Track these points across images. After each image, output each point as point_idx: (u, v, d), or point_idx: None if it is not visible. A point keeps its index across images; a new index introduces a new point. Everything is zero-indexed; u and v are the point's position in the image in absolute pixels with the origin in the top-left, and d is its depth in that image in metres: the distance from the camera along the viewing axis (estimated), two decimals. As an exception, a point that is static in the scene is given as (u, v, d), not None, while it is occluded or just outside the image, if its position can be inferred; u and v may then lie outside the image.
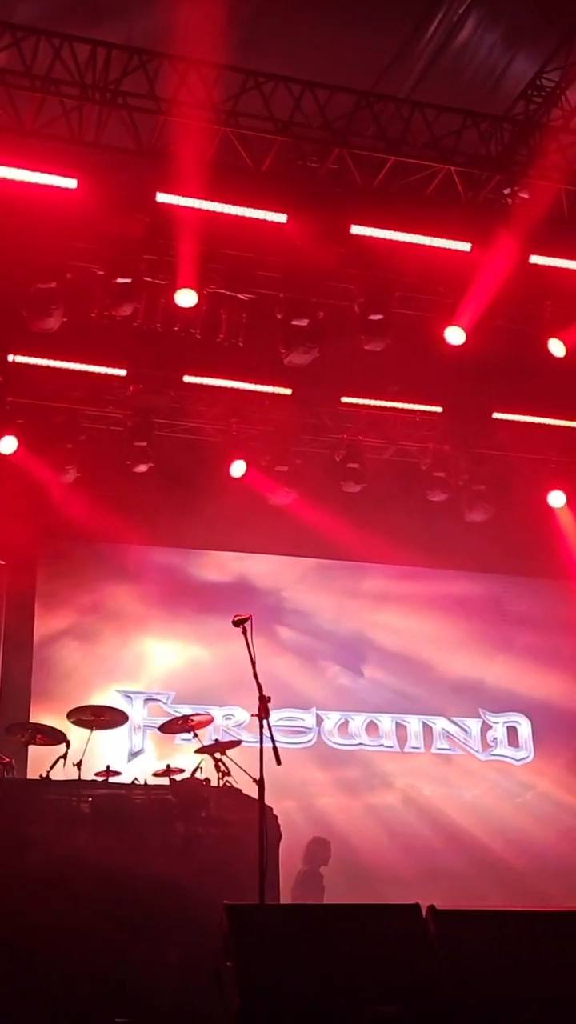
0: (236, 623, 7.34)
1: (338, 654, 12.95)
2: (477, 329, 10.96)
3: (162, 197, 9.67)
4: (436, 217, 10.46)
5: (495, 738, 13.06)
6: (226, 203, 9.78)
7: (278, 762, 7.04)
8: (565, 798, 13.06)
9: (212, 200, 9.73)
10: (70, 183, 9.36)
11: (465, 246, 10.41)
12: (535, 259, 10.54)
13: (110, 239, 9.96)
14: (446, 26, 9.72)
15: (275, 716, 8.79)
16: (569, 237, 10.61)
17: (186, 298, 10.25)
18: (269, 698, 7.22)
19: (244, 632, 7.27)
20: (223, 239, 10.35)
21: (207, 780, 9.19)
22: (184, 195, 9.68)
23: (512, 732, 13.13)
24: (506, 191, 10.58)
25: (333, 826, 11.95)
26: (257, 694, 7.27)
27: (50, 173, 9.31)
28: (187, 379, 11.57)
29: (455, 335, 10.92)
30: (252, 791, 7.59)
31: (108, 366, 11.28)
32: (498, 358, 11.47)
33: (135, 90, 9.27)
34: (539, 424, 12.53)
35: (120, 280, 9.98)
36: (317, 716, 12.50)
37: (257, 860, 6.88)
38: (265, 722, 7.11)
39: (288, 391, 11.81)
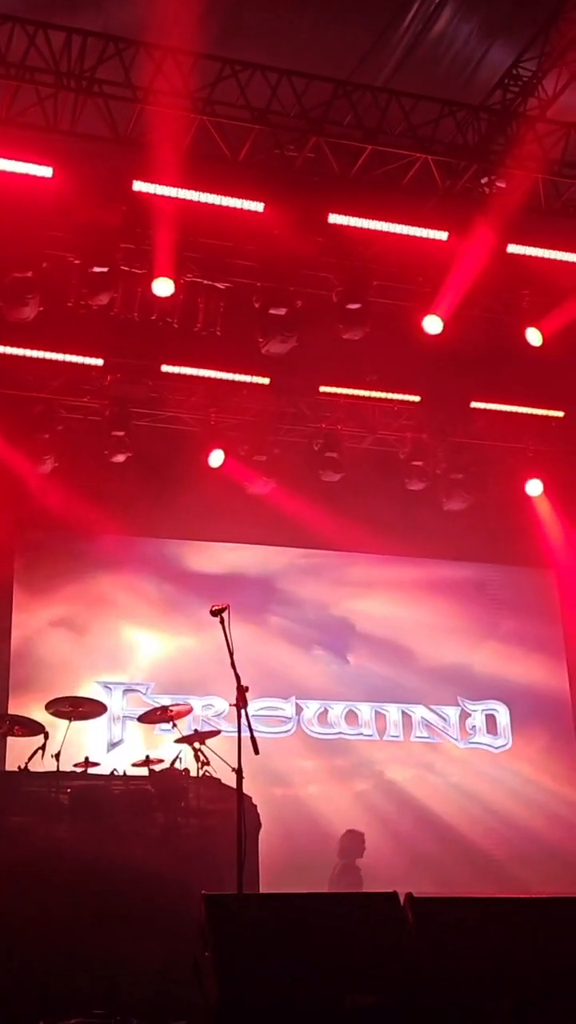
0: (214, 613, 7.34)
1: (318, 643, 12.96)
2: (455, 318, 10.99)
3: (139, 186, 9.62)
4: (413, 206, 10.47)
5: (474, 726, 13.11)
6: (203, 192, 9.75)
7: (256, 752, 7.05)
8: (544, 784, 13.13)
9: (189, 188, 9.69)
10: (46, 171, 9.31)
11: (442, 235, 10.42)
12: (512, 248, 10.56)
13: (86, 228, 9.92)
14: (423, 15, 9.66)
15: (254, 706, 8.76)
16: (546, 226, 10.62)
17: (163, 287, 10.22)
18: (247, 688, 7.23)
19: (222, 622, 7.27)
20: (200, 228, 10.33)
21: (186, 770, 9.19)
22: (161, 184, 9.63)
23: (491, 720, 13.18)
24: (483, 180, 10.56)
25: (313, 815, 12.00)
26: (236, 683, 7.28)
27: (25, 161, 9.25)
28: (165, 368, 11.54)
29: (433, 324, 10.94)
30: (231, 781, 7.60)
31: (85, 356, 11.23)
32: (476, 347, 11.50)
33: (111, 78, 9.21)
34: (516, 413, 12.57)
35: (97, 269, 9.94)
36: (296, 705, 12.51)
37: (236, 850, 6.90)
38: (243, 712, 7.12)
39: (266, 380, 11.80)
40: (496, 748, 13.14)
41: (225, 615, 7.30)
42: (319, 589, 13.10)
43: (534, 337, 11.19)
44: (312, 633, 12.96)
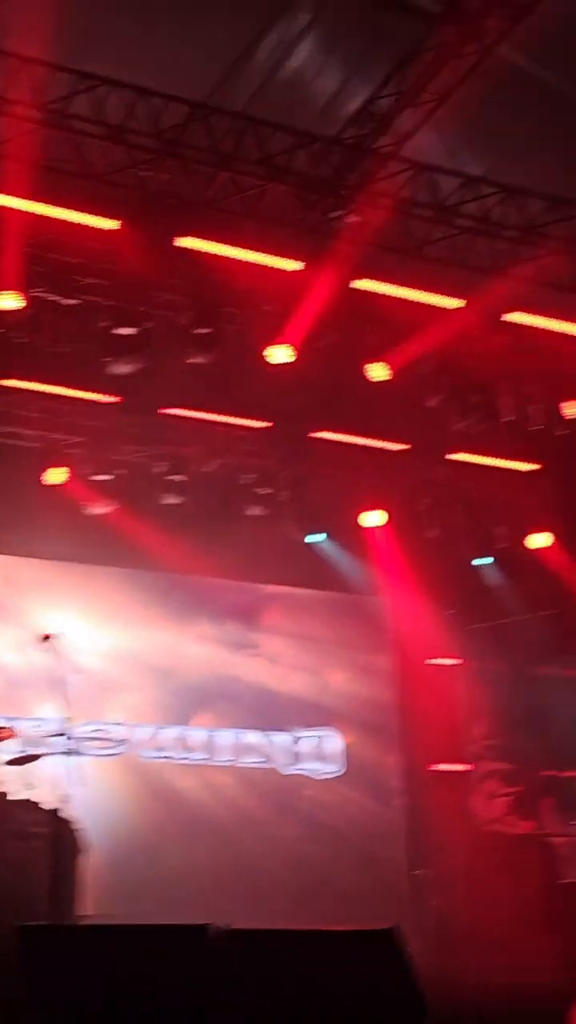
0: (43, 639, 7.22)
1: (150, 665, 12.87)
2: (302, 349, 11.07)
3: (-13, 197, 9.41)
4: (266, 235, 10.52)
5: (302, 752, 13.21)
6: (55, 206, 9.59)
7: (83, 776, 6.95)
8: (368, 811, 13.32)
9: (40, 202, 9.53)
10: None
11: (292, 265, 10.50)
12: (359, 283, 10.72)
13: None
14: (282, 44, 9.79)
15: (84, 728, 8.65)
16: (393, 264, 10.82)
17: (9, 301, 10.01)
18: (77, 712, 7.12)
19: (52, 648, 7.15)
20: (51, 243, 10.15)
21: (3, 794, 8.95)
22: (11, 195, 9.44)
23: (321, 746, 13.30)
24: (335, 214, 10.69)
25: (139, 839, 11.86)
26: (65, 707, 7.17)
27: None
28: (7, 383, 11.31)
29: (280, 353, 11.01)
30: (56, 804, 7.46)
31: None
32: (321, 378, 11.61)
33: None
34: (357, 444, 12.77)
35: None
36: (127, 728, 12.37)
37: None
38: (71, 736, 7.01)
39: (112, 400, 11.68)
40: (326, 774, 13.26)
41: (55, 642, 7.19)
42: (152, 612, 13.01)
43: (377, 372, 11.38)
44: (145, 656, 12.86)
